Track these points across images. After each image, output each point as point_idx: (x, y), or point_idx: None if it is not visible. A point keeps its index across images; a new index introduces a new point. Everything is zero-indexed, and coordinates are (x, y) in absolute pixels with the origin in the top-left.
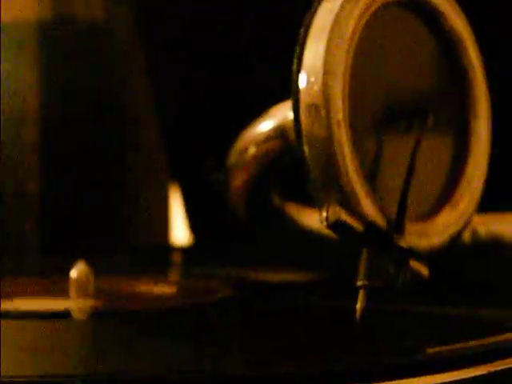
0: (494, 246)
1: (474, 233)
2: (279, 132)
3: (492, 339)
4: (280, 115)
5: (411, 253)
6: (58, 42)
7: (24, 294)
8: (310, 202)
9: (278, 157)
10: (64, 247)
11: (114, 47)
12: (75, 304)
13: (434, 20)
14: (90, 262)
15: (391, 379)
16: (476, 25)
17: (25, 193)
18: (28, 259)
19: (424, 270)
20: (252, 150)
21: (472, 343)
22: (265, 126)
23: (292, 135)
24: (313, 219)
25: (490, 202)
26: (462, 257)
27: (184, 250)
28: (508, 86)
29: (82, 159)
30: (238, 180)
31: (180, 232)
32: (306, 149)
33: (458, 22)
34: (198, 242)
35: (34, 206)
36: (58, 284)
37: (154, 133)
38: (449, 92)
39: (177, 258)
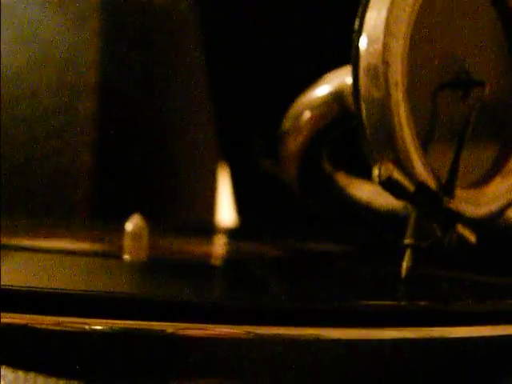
0: None
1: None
2: (336, 97)
3: None
4: (336, 80)
5: (459, 217)
6: (119, 17)
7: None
8: (360, 173)
9: (332, 122)
10: (113, 219)
11: (173, 27)
12: (129, 256)
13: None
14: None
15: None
16: None
17: (79, 165)
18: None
19: (471, 236)
20: (307, 115)
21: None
22: (321, 90)
23: (348, 100)
24: (362, 190)
25: None
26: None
27: (230, 230)
28: None
29: (136, 135)
30: (292, 145)
31: (226, 213)
32: (363, 107)
33: None
34: (243, 224)
35: (86, 178)
36: (113, 236)
37: (205, 112)
38: (506, 66)
39: (220, 238)
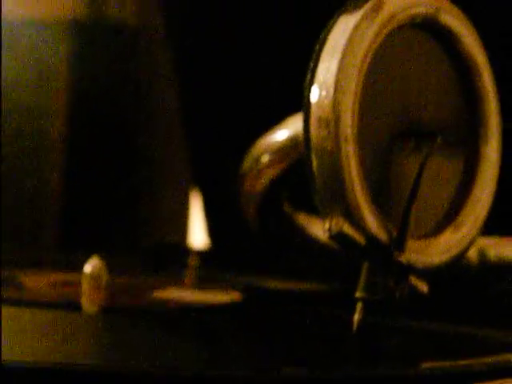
0: (502, 268)
1: (483, 255)
2: (293, 142)
3: (487, 359)
4: (295, 125)
5: (411, 269)
6: (90, 39)
7: (38, 285)
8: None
9: (291, 166)
10: (82, 242)
11: (145, 47)
12: (87, 298)
13: (449, 43)
14: (106, 259)
15: None
16: (491, 49)
17: (48, 186)
18: (45, 252)
19: (423, 287)
20: (266, 158)
21: (463, 362)
22: (280, 135)
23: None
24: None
25: (500, 226)
26: (468, 276)
27: (200, 253)
28: None
29: (107, 158)
30: (251, 186)
31: (198, 235)
32: (313, 160)
33: (473, 46)
34: (214, 246)
35: (55, 200)
36: (72, 278)
37: (178, 134)
38: (460, 114)
39: (192, 260)
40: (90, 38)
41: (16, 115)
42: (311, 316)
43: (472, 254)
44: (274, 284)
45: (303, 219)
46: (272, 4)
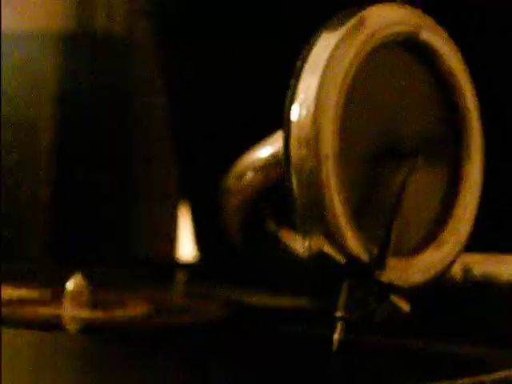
0: (487, 285)
1: (469, 272)
2: (276, 159)
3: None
4: (278, 143)
5: (392, 288)
6: (76, 52)
7: (21, 301)
8: None
9: (274, 183)
10: (70, 256)
11: (132, 60)
12: (68, 315)
13: (431, 60)
14: (91, 274)
15: None
16: (473, 66)
17: (37, 198)
18: (32, 265)
19: (405, 306)
20: (249, 176)
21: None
22: (263, 152)
23: None
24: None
25: (486, 242)
26: (454, 294)
27: (188, 267)
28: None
29: (95, 170)
30: (234, 203)
31: (187, 248)
32: (293, 179)
33: (455, 64)
34: (203, 259)
35: (43, 212)
36: (55, 294)
37: (167, 147)
38: (443, 132)
39: (179, 274)
40: (79, 49)
41: (5, 127)
42: (293, 335)
43: (457, 271)
44: (260, 299)
45: (287, 235)
46: (254, 21)
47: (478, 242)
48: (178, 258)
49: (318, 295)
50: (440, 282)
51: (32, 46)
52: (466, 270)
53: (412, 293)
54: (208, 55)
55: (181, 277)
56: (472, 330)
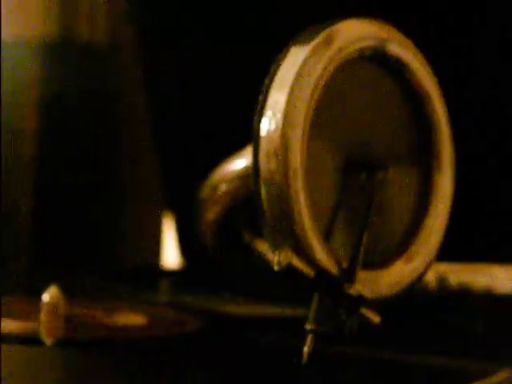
0: (463, 295)
1: (444, 281)
2: (249, 171)
3: None
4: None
5: (362, 300)
6: (60, 61)
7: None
8: None
9: (248, 195)
10: (54, 266)
11: (115, 64)
12: (45, 329)
13: (399, 73)
14: (70, 284)
15: None
16: (442, 78)
17: (19, 208)
18: (15, 278)
19: (375, 318)
20: (223, 187)
21: None
22: (236, 164)
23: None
24: None
25: (460, 252)
26: (428, 303)
27: (172, 274)
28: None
29: (78, 179)
30: (209, 214)
31: (171, 255)
32: (262, 193)
33: (424, 76)
34: (187, 267)
35: (26, 222)
36: (32, 306)
37: (150, 158)
38: (413, 145)
39: (161, 283)
40: (61, 57)
41: None
42: (267, 344)
43: (432, 280)
44: (235, 308)
45: (261, 246)
46: (231, 39)
47: (450, 252)
48: (162, 266)
49: (292, 303)
50: (414, 292)
51: (14, 54)
52: (442, 279)
53: (383, 304)
54: (192, 63)
55: (163, 285)
56: (446, 340)
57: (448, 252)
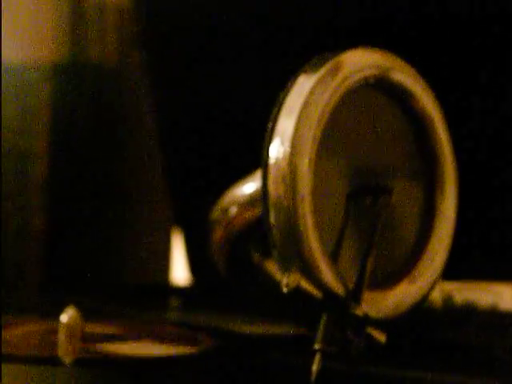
0: (467, 313)
1: (449, 299)
2: (258, 195)
3: None
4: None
5: (368, 320)
6: (70, 84)
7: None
8: None
9: (258, 217)
10: (65, 283)
11: (125, 90)
12: (63, 349)
13: (404, 100)
14: (83, 305)
15: None
16: (445, 104)
17: (30, 228)
18: (26, 296)
19: (381, 337)
20: (233, 210)
21: None
22: (247, 188)
23: None
24: None
25: (466, 270)
26: (434, 321)
27: (181, 292)
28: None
29: (88, 198)
30: (219, 235)
31: (180, 272)
32: (271, 217)
33: (428, 103)
34: (196, 284)
35: (38, 241)
36: (49, 326)
37: (158, 176)
38: (417, 170)
39: (172, 301)
40: (72, 80)
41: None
42: (276, 363)
43: (437, 298)
44: (249, 327)
45: (270, 267)
46: (242, 62)
47: (455, 270)
48: (171, 282)
49: (302, 323)
50: (419, 311)
51: (25, 76)
52: (447, 298)
53: (388, 324)
54: (201, 83)
55: (173, 303)
56: (451, 357)
57: (453, 270)
